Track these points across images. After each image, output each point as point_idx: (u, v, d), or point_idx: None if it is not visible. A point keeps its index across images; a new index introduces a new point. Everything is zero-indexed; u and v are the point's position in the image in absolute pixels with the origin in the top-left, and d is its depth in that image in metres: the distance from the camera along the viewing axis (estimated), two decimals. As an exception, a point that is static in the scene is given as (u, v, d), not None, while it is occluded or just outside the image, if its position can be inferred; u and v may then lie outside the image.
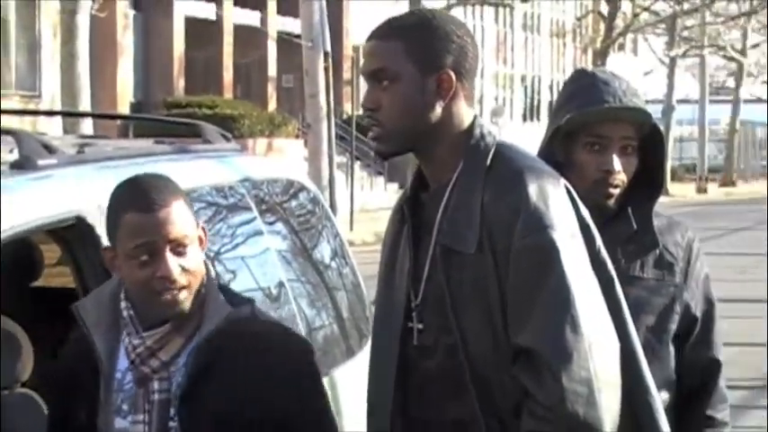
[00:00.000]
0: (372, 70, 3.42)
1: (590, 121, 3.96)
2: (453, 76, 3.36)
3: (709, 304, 4.11)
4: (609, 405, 3.24)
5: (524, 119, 54.92)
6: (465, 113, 3.42)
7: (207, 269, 3.28)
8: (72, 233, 3.83)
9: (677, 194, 50.21)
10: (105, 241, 3.99)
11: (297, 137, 37.58)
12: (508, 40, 54.56)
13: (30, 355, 4.04)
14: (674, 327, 3.99)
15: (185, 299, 3.08)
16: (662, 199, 5.66)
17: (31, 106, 25.32)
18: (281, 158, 24.63)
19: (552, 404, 3.17)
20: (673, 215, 4.51)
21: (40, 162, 3.91)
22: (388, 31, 3.52)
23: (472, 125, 3.42)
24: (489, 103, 51.41)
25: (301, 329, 4.83)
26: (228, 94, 35.12)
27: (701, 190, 54.91)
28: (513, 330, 3.25)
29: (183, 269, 3.07)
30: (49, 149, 4.04)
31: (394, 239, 3.53)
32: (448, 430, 3.41)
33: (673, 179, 52.21)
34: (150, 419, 3.09)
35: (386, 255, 3.61)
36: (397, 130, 3.41)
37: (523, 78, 56.58)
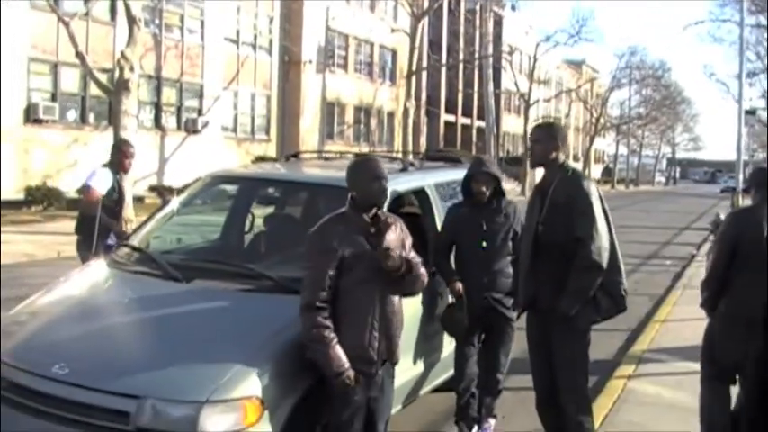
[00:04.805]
0: (534, 138, 3.19)
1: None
2: (560, 144, 3.11)
3: (520, 225, 3.49)
4: (604, 257, 2.97)
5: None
6: (562, 157, 3.12)
7: None
8: (421, 194, 3.72)
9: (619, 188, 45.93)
10: (432, 197, 3.76)
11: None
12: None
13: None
14: (510, 235, 3.53)
15: None
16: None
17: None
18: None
19: (586, 255, 2.93)
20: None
21: (410, 169, 3.83)
22: (539, 127, 3.30)
23: (564, 161, 3.13)
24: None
25: None
26: (457, 148, 33.43)
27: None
28: (576, 229, 2.96)
29: None
30: (413, 165, 3.97)
31: (533, 198, 3.16)
32: (552, 274, 3.00)
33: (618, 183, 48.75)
34: None
35: (529, 204, 3.20)
36: (539, 160, 3.16)
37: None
